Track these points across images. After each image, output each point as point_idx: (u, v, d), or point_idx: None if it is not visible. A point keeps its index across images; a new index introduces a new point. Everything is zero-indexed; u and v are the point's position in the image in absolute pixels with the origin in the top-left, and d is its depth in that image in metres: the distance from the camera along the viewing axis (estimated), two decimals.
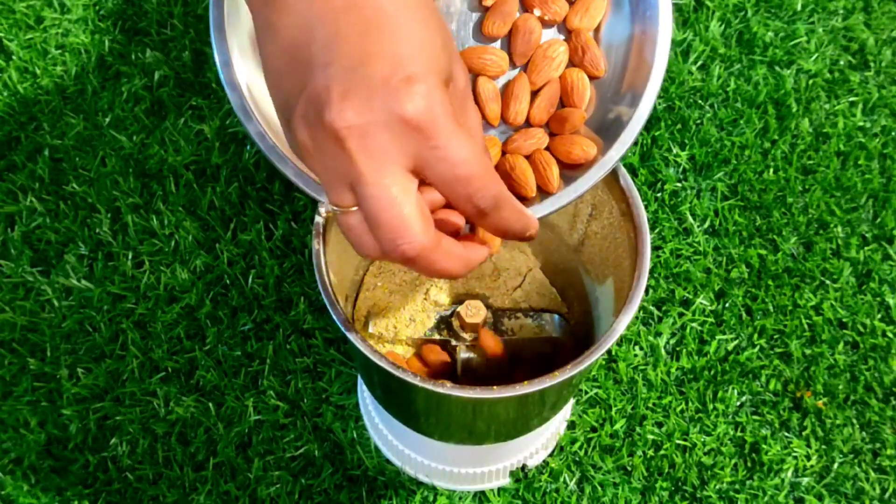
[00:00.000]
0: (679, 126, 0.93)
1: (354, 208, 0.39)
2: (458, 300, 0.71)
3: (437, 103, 0.37)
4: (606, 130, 0.50)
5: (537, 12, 0.52)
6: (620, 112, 0.50)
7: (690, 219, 0.88)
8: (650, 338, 0.83)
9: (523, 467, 0.76)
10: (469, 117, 0.43)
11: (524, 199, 0.51)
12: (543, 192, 0.51)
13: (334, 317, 0.54)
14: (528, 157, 0.52)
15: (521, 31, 0.52)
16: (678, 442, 0.79)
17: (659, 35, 0.50)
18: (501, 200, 0.41)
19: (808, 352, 0.83)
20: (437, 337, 0.69)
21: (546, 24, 0.52)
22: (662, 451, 0.79)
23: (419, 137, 0.37)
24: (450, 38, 0.40)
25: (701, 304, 0.84)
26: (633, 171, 0.90)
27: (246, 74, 0.48)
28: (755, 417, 0.81)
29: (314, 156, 0.39)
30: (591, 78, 0.52)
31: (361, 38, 0.37)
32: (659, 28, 0.50)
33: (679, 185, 0.90)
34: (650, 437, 0.79)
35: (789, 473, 0.78)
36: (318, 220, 0.57)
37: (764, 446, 0.79)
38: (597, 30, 0.53)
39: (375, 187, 0.38)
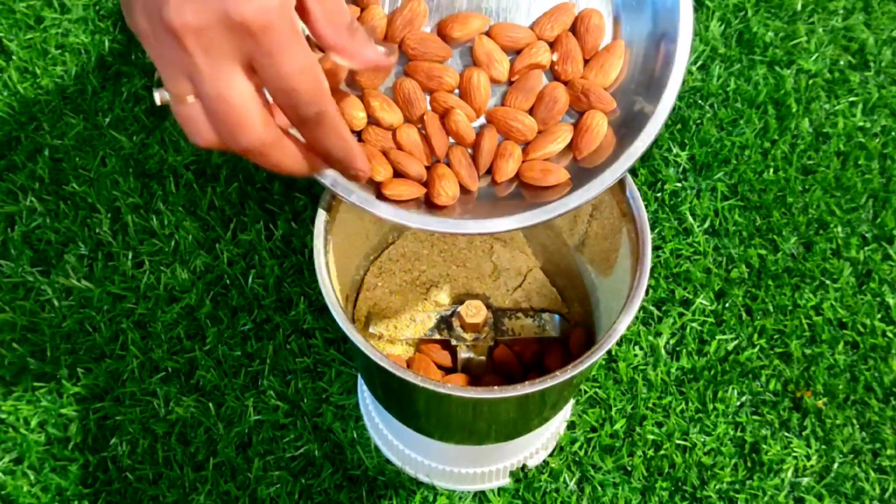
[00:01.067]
0: (679, 126, 0.93)
1: (191, 99, 0.41)
2: (458, 300, 0.71)
3: (274, 10, 0.38)
4: (631, 122, 0.51)
5: (555, 56, 0.52)
6: (644, 104, 0.51)
7: (690, 219, 0.88)
8: (650, 338, 0.83)
9: (523, 467, 0.76)
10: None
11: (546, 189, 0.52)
12: (553, 188, 0.51)
13: (335, 316, 0.54)
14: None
15: (546, 100, 0.53)
16: (678, 442, 0.79)
17: (680, 26, 0.50)
18: (324, 119, 0.42)
19: (808, 352, 0.83)
20: (437, 337, 0.69)
21: (556, 74, 0.53)
22: (662, 451, 0.79)
23: (251, 41, 0.39)
24: None
25: (701, 304, 0.84)
26: (633, 171, 0.90)
27: None
28: (755, 417, 0.81)
29: (153, 45, 0.40)
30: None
31: None
32: (680, 20, 0.50)
33: (679, 185, 0.90)
34: (650, 437, 0.79)
35: (789, 473, 0.78)
36: (320, 216, 0.57)
37: (764, 446, 0.79)
38: (616, 24, 0.53)
39: (213, 83, 0.39)
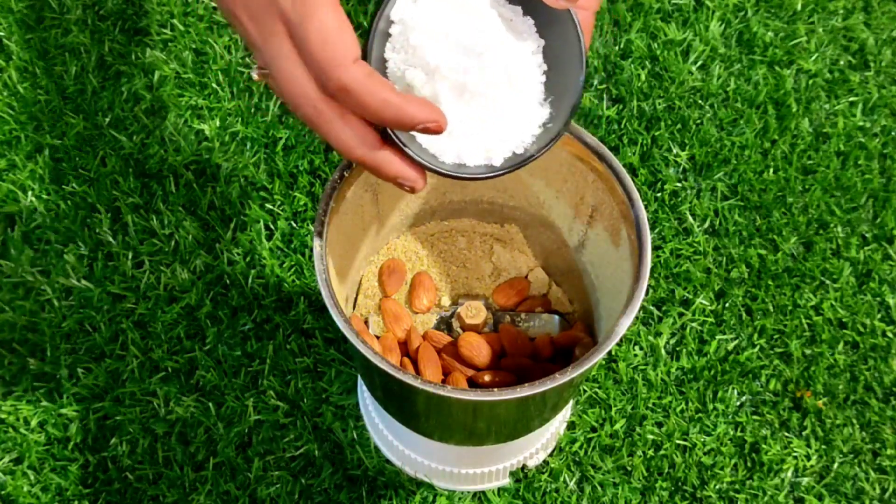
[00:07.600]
0: (679, 126, 0.93)
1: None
2: (458, 301, 0.71)
3: None
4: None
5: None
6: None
7: (690, 219, 0.88)
8: (650, 338, 0.83)
9: (523, 467, 0.76)
10: None
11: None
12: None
13: (334, 318, 0.54)
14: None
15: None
16: (678, 442, 0.79)
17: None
18: (346, 92, 0.44)
19: (808, 352, 0.83)
20: None
21: None
22: (662, 451, 0.79)
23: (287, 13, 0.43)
24: None
25: (701, 304, 0.84)
26: (633, 171, 0.90)
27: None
28: (755, 417, 0.81)
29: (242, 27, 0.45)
30: None
31: None
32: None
33: (679, 185, 0.90)
34: (650, 437, 0.79)
35: (789, 473, 0.78)
36: (320, 217, 0.57)
37: (764, 446, 0.79)
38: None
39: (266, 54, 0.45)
